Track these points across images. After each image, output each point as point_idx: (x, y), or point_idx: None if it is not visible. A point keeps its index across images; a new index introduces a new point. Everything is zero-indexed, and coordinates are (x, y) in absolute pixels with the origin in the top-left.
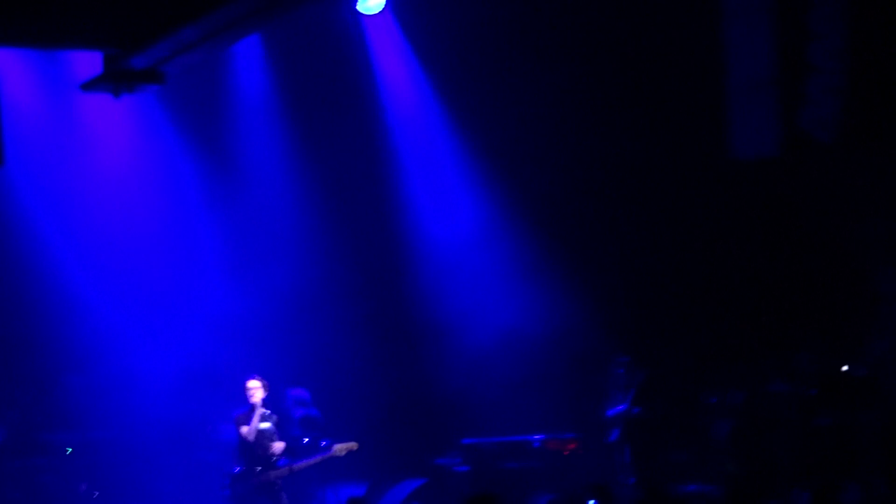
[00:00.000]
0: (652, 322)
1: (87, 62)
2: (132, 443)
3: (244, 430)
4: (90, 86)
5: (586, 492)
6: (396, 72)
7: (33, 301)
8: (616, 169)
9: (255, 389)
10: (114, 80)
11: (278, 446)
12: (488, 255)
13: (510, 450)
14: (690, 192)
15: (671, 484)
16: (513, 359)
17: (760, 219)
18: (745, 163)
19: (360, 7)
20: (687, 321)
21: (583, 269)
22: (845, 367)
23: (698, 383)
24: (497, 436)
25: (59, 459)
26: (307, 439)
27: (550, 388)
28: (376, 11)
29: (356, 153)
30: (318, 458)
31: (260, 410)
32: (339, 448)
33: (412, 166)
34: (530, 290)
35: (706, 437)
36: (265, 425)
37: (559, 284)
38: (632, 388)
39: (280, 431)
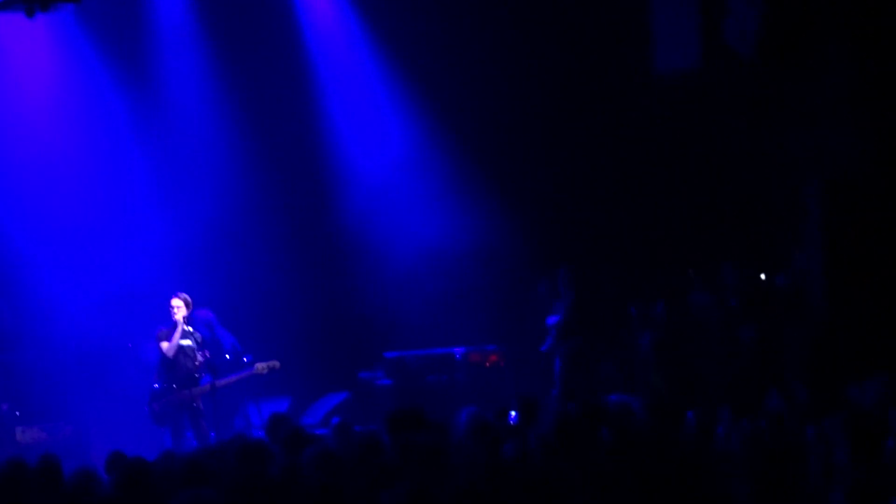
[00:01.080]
0: (579, 235)
1: None
2: (53, 363)
3: (164, 346)
4: (2, 5)
5: (509, 402)
6: None
7: None
8: (539, 86)
9: (178, 307)
10: None
11: (200, 362)
12: (413, 176)
13: (432, 363)
14: (614, 107)
15: (597, 395)
16: (436, 275)
17: (684, 132)
18: (667, 77)
19: None
20: (612, 234)
21: (507, 187)
22: (763, 276)
23: (624, 295)
24: (418, 349)
25: None
26: (228, 356)
27: (473, 304)
28: None
29: (282, 77)
30: (239, 376)
31: (181, 327)
32: (261, 366)
33: (338, 91)
34: (455, 209)
35: (630, 348)
36: (186, 342)
37: (483, 203)
38: (565, 301)
39: (203, 349)
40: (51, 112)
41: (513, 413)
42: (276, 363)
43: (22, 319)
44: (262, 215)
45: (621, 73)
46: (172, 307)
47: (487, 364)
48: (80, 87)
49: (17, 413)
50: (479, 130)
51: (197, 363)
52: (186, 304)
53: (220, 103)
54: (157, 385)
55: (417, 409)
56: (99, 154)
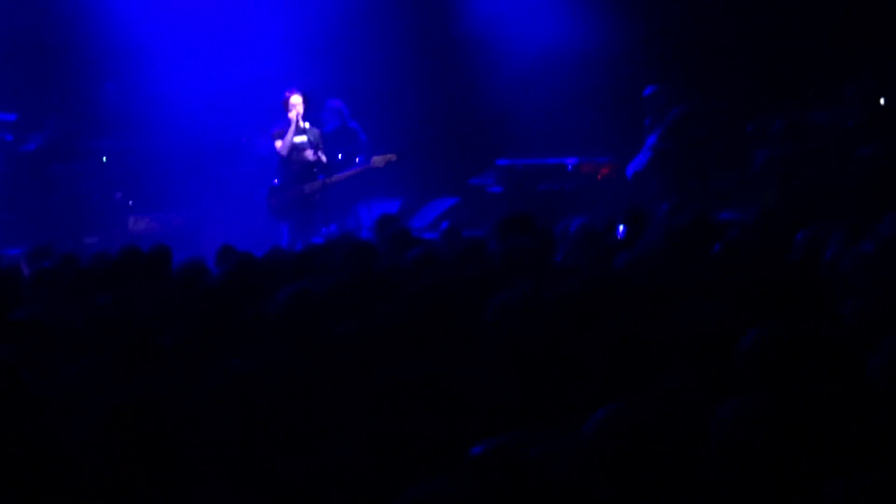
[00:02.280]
0: (695, 48)
1: None
2: (168, 152)
3: (278, 144)
4: None
5: (618, 215)
6: None
7: (72, 8)
8: None
9: (294, 104)
10: None
11: (313, 159)
12: None
13: (544, 172)
14: None
15: (709, 210)
16: (551, 81)
17: None
18: None
19: None
20: (731, 48)
21: None
22: (882, 100)
23: (741, 111)
24: (532, 158)
25: (96, 166)
26: (341, 155)
27: (588, 113)
28: None
29: None
30: (354, 171)
31: (294, 125)
32: (378, 159)
33: None
34: (577, 12)
35: (746, 165)
36: (301, 139)
37: (603, 5)
38: (664, 121)
39: (320, 146)
40: None
41: (621, 227)
42: (393, 156)
43: (134, 104)
44: (385, 9)
45: None
46: (287, 102)
47: (599, 176)
48: None
49: (130, 202)
50: None
51: (313, 159)
52: (304, 101)
53: None
54: (276, 181)
55: (526, 216)
56: None
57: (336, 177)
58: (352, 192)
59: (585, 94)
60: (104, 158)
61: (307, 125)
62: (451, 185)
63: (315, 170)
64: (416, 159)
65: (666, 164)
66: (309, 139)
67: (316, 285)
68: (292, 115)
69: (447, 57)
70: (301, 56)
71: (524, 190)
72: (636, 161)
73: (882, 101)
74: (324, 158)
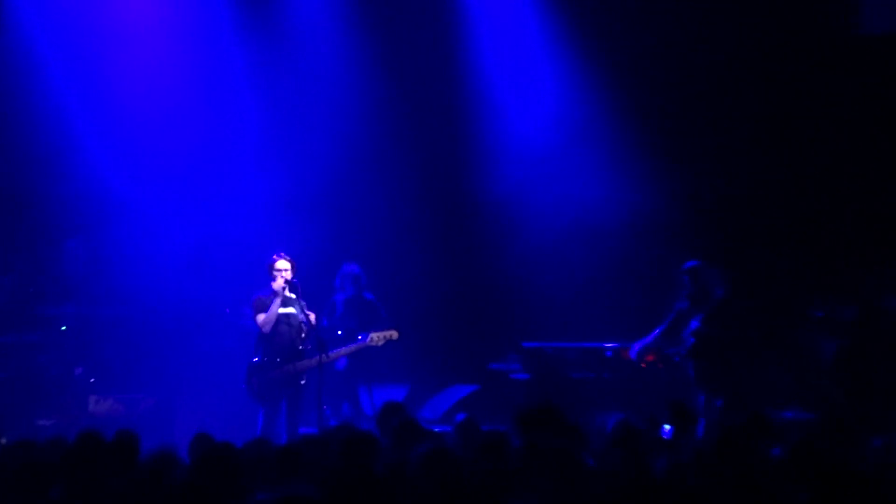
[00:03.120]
0: (752, 223)
1: None
2: (138, 323)
3: (260, 317)
4: None
5: (663, 412)
6: None
7: (35, 157)
8: (727, 46)
9: (281, 270)
10: None
11: (304, 334)
12: (570, 142)
13: (578, 357)
14: (811, 71)
15: (765, 408)
16: (585, 254)
17: (886, 102)
18: (873, 38)
19: None
20: (793, 224)
21: (672, 158)
22: None
23: (802, 295)
24: (562, 341)
25: (54, 336)
26: (340, 332)
27: (627, 290)
28: None
29: (422, 20)
30: (350, 349)
31: (281, 296)
32: (376, 337)
33: (489, 40)
34: (611, 179)
35: (808, 356)
36: (288, 310)
37: (644, 174)
38: (708, 301)
39: (310, 318)
40: (159, 40)
41: (667, 427)
42: (394, 332)
43: (103, 269)
44: (393, 174)
45: (822, 34)
46: (273, 269)
47: (643, 364)
48: (196, 27)
49: (92, 379)
50: (653, 91)
51: (303, 334)
52: (292, 267)
53: (353, 51)
54: (256, 358)
55: (554, 408)
56: (208, 91)
57: (330, 355)
58: (350, 374)
59: (624, 268)
60: (63, 327)
61: (294, 296)
62: (468, 371)
63: (302, 347)
64: (427, 338)
65: (710, 352)
66: (299, 311)
67: (305, 488)
68: (278, 283)
69: (465, 221)
70: (293, 221)
71: (554, 378)
72: (644, 341)
73: None
74: (311, 323)
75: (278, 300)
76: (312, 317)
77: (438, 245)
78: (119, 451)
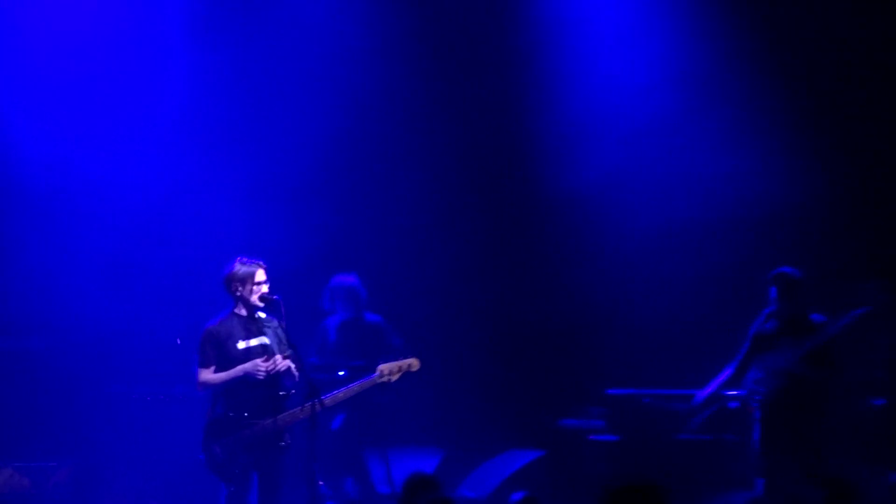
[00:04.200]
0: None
1: None
2: (47, 359)
3: (205, 374)
4: None
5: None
6: None
7: None
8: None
9: (254, 282)
10: None
11: (282, 366)
12: (673, 107)
13: (688, 410)
14: None
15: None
16: (698, 266)
17: None
18: None
19: None
20: None
21: (830, 135)
22: None
23: None
24: (664, 387)
25: None
26: (343, 372)
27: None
28: None
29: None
30: (352, 388)
31: (255, 317)
32: (387, 369)
33: None
34: (738, 164)
35: None
36: (259, 341)
37: (788, 156)
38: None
39: (295, 352)
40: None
41: None
42: (414, 361)
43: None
44: (422, 154)
45: None
46: (237, 281)
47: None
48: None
49: None
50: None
51: (283, 375)
52: (266, 277)
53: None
54: (217, 410)
55: (655, 486)
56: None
57: (325, 402)
58: (355, 433)
59: (754, 285)
60: None
61: (269, 318)
62: (527, 429)
63: (283, 392)
64: (468, 383)
65: (811, 399)
66: (274, 341)
67: None
68: (253, 300)
69: (526, 220)
70: (267, 209)
71: (654, 440)
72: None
73: None
74: (295, 372)
75: (244, 366)
76: (288, 364)
77: (485, 253)
78: None
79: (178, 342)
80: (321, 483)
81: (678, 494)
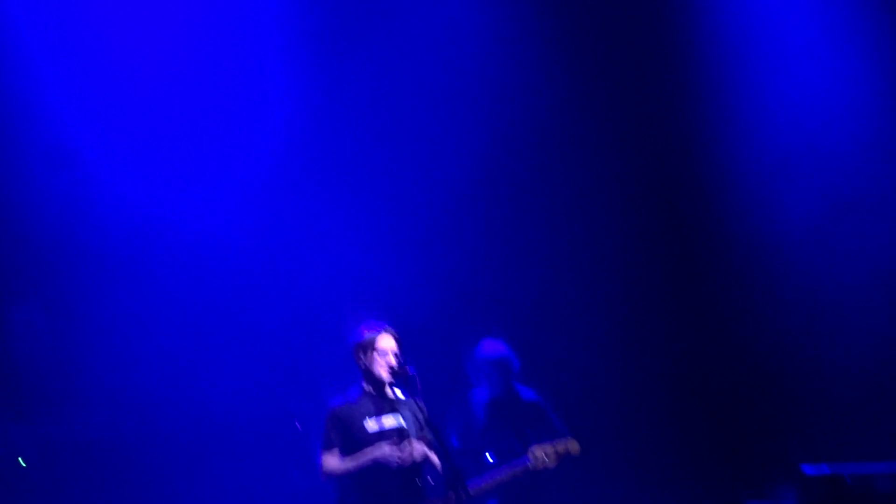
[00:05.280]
0: None
1: None
2: (131, 450)
3: (330, 461)
4: None
5: None
6: None
7: None
8: None
9: (382, 350)
10: None
11: (420, 454)
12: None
13: None
14: None
15: None
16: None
17: None
18: None
19: None
20: None
21: None
22: None
23: None
24: (880, 460)
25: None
26: (491, 456)
27: None
28: None
29: None
30: (504, 475)
31: (388, 391)
32: (541, 454)
33: None
34: None
35: None
36: (394, 422)
37: None
38: None
39: (433, 433)
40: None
41: None
42: (573, 444)
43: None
44: (570, 169)
45: None
46: (370, 350)
47: None
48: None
49: None
50: None
51: (421, 463)
52: (398, 344)
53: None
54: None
55: None
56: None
57: (472, 492)
58: None
59: None
60: (21, 461)
61: (403, 396)
62: None
63: (421, 483)
64: (632, 460)
65: None
66: (409, 423)
67: None
68: (380, 372)
69: (700, 265)
70: (389, 255)
71: None
72: None
73: None
74: (436, 459)
75: (373, 451)
76: (426, 450)
77: (653, 305)
78: None
79: (299, 427)
80: None
81: None
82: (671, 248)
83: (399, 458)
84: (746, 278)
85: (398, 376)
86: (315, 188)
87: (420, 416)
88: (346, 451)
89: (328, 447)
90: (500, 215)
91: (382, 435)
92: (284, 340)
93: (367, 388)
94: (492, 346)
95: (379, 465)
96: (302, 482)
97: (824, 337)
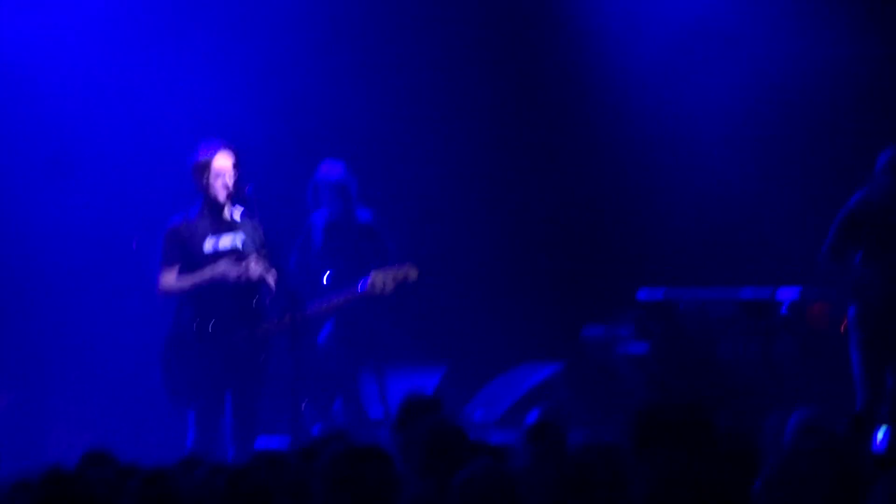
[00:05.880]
0: None
1: None
2: None
3: (168, 278)
4: None
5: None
6: None
7: None
8: None
9: (219, 171)
10: None
11: (256, 273)
12: None
13: (729, 315)
14: None
15: None
16: (745, 135)
17: None
18: None
19: None
20: None
21: None
22: None
23: None
24: (703, 286)
25: None
26: (328, 276)
27: (816, 197)
28: None
29: None
30: (340, 300)
31: (226, 211)
32: (381, 279)
33: None
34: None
35: None
36: (230, 241)
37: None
38: None
39: (269, 254)
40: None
41: (881, 431)
42: (411, 270)
43: None
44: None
45: None
46: (204, 169)
47: (842, 328)
48: None
49: None
50: None
51: (257, 279)
52: (236, 164)
53: None
54: (181, 321)
55: (694, 405)
56: None
57: (308, 314)
58: (344, 348)
59: (815, 157)
60: None
61: (240, 211)
62: (543, 340)
63: (257, 302)
64: (474, 288)
65: None
66: (246, 242)
67: None
68: (215, 191)
69: (541, 87)
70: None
71: (692, 347)
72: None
73: None
74: (271, 279)
75: (212, 269)
76: (263, 268)
77: (495, 133)
78: None
79: (134, 246)
80: (304, 406)
81: (723, 414)
82: (516, 85)
83: (237, 274)
84: (592, 104)
85: (235, 197)
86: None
87: (258, 237)
88: (183, 270)
89: (167, 265)
90: (347, 30)
91: (219, 255)
92: (124, 160)
93: (206, 208)
94: (331, 168)
95: (216, 283)
96: (143, 304)
97: (664, 163)
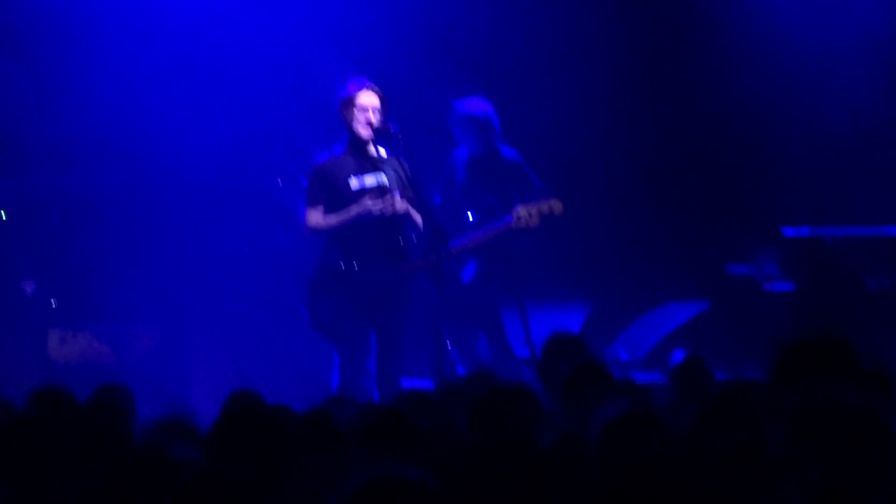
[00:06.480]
0: None
1: None
2: (125, 203)
3: (314, 217)
4: None
5: None
6: None
7: None
8: None
9: (365, 106)
10: None
11: (401, 207)
12: None
13: (877, 251)
14: None
15: None
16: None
17: None
18: None
19: None
20: None
21: None
22: None
23: None
24: (853, 224)
25: None
26: (472, 213)
27: None
28: None
29: None
30: (486, 235)
31: (371, 148)
32: (526, 213)
33: None
34: None
35: None
36: (375, 179)
37: None
38: None
39: (415, 191)
40: None
41: None
42: (556, 203)
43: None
44: None
45: None
46: (350, 107)
47: None
48: None
49: (54, 302)
50: None
51: (403, 220)
52: (382, 102)
53: None
54: (326, 260)
55: (843, 342)
56: None
57: (452, 251)
58: (489, 287)
59: None
60: (2, 214)
61: (386, 153)
62: (689, 279)
63: (403, 241)
64: (620, 227)
65: None
66: (391, 180)
67: (412, 472)
68: (360, 129)
69: (680, 25)
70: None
71: (841, 289)
72: None
73: None
74: (418, 218)
75: (357, 207)
76: (407, 205)
77: (636, 70)
78: (101, 419)
79: (280, 183)
80: (449, 344)
81: (865, 353)
82: (655, 22)
83: (381, 208)
84: (726, 40)
85: (380, 133)
86: None
87: (402, 174)
88: (329, 208)
89: (312, 203)
90: None
91: (365, 192)
92: (269, 96)
93: (351, 145)
94: (475, 104)
95: (362, 221)
96: (287, 243)
97: (807, 100)
